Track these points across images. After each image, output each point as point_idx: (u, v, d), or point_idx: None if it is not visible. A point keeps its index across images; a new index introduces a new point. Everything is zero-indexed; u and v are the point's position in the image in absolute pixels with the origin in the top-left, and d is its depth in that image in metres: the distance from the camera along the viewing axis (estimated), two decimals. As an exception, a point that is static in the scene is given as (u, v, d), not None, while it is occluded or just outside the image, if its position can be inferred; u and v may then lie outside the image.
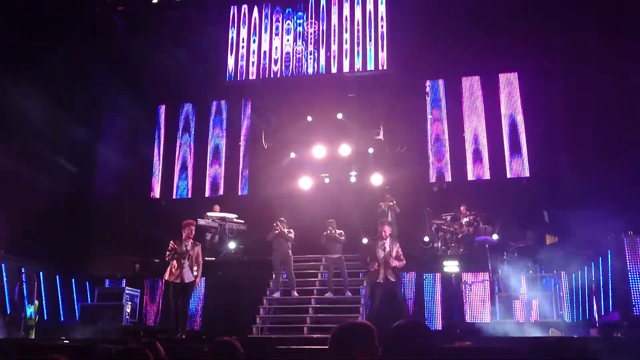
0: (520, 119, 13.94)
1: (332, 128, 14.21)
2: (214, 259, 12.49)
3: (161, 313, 11.84)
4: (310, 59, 14.36)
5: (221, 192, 15.26)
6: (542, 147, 13.27)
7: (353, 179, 14.19)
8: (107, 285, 12.21)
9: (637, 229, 8.24)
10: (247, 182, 15.24)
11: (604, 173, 10.55)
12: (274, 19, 14.85)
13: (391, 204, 12.34)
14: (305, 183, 14.19)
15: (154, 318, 12.00)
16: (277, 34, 14.71)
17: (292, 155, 14.60)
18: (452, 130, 14.42)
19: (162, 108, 16.09)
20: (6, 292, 10.19)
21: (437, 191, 14.15)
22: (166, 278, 9.19)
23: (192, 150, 15.83)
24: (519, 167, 13.76)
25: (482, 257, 10.79)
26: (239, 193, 15.20)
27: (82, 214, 13.32)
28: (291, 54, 14.51)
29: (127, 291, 11.34)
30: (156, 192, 15.65)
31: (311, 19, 14.58)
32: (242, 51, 14.82)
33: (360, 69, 14.11)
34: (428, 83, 14.79)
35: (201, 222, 12.55)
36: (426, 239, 12.84)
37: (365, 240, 11.82)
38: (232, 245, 12.95)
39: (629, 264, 7.97)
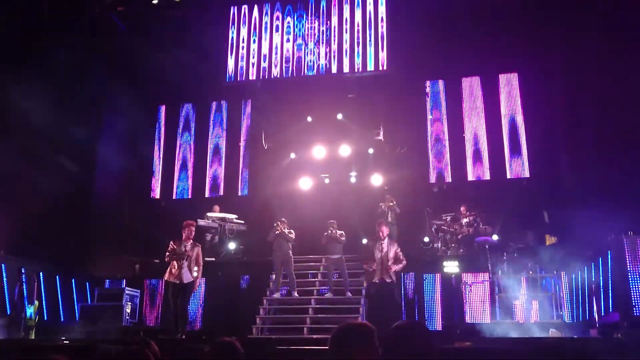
0: (520, 120, 13.95)
1: (332, 128, 14.20)
2: (214, 259, 12.49)
3: (161, 313, 11.85)
4: (310, 59, 14.37)
5: (221, 192, 15.27)
6: (542, 147, 13.26)
7: (353, 180, 14.19)
8: (107, 286, 12.22)
9: (637, 229, 8.23)
10: (247, 182, 15.24)
11: (604, 173, 10.54)
12: (274, 17, 14.87)
13: (391, 204, 12.34)
14: (305, 183, 14.19)
15: (154, 318, 12.00)
16: (277, 31, 14.72)
17: (292, 155, 14.60)
18: (452, 130, 14.42)
19: (162, 108, 16.09)
20: (6, 293, 10.18)
21: (437, 192, 14.15)
22: (166, 278, 9.22)
23: (192, 151, 15.83)
24: (518, 167, 13.76)
25: (482, 258, 10.79)
26: (239, 193, 15.21)
27: (82, 214, 13.31)
28: (291, 54, 14.53)
29: (127, 291, 11.33)
30: (156, 193, 15.65)
31: (311, 17, 14.59)
32: (242, 51, 14.84)
33: (360, 69, 14.13)
34: (428, 83, 14.79)
35: (201, 222, 12.55)
36: (426, 239, 12.83)
37: (365, 241, 11.82)
38: (232, 245, 12.95)
39: (629, 265, 7.96)
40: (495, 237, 11.54)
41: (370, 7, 14.31)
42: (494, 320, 9.94)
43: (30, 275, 10.49)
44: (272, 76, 14.57)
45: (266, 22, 14.90)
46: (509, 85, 14.19)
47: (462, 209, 12.52)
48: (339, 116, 14.21)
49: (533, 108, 13.61)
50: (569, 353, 6.57)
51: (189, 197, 15.48)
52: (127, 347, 3.71)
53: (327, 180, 14.39)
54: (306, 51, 14.49)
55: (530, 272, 10.22)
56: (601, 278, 8.74)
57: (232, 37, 14.97)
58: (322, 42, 14.38)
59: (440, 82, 14.76)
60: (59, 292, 11.59)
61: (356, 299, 10.98)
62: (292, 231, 11.28)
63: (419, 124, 14.53)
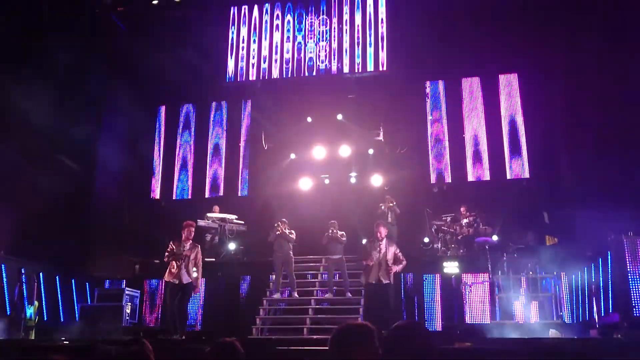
0: (520, 120, 13.94)
1: (332, 129, 14.21)
2: (214, 259, 12.48)
3: (161, 314, 11.83)
4: (310, 58, 14.37)
5: (221, 192, 15.26)
6: (542, 147, 13.26)
7: (353, 180, 14.19)
8: (107, 286, 12.22)
9: (637, 229, 8.24)
10: (247, 182, 15.24)
11: (604, 173, 10.54)
12: (274, 17, 14.87)
13: (391, 204, 12.34)
14: (305, 184, 14.19)
15: (154, 319, 11.99)
16: (277, 30, 14.72)
17: (292, 156, 14.60)
18: (452, 131, 14.42)
19: (162, 109, 16.09)
20: (6, 293, 10.18)
21: (437, 192, 14.15)
22: (165, 278, 9.22)
23: (192, 151, 15.83)
24: (518, 168, 13.76)
25: (482, 258, 10.79)
26: (239, 194, 15.21)
27: (82, 214, 13.31)
28: (291, 54, 14.53)
29: (127, 292, 11.32)
30: (156, 193, 15.65)
31: (311, 15, 14.60)
32: (242, 52, 14.84)
33: (360, 70, 14.14)
34: (428, 84, 14.79)
35: (201, 223, 12.55)
36: (426, 240, 12.84)
37: (364, 241, 11.82)
38: (232, 246, 12.94)
39: (629, 265, 7.96)
40: (495, 238, 11.54)
41: (370, 8, 14.32)
42: (494, 321, 9.94)
43: (30, 276, 10.48)
44: (272, 76, 14.58)
45: (266, 21, 14.90)
46: (509, 86, 14.19)
47: (462, 209, 12.51)
48: (339, 116, 14.22)
49: (533, 108, 13.61)
50: (569, 353, 6.57)
51: (189, 197, 15.48)
52: (127, 348, 3.71)
53: (327, 181, 14.40)
54: (306, 51, 14.50)
55: (530, 273, 10.22)
56: (601, 278, 8.74)
57: (232, 37, 14.99)
58: (322, 43, 14.38)
59: (440, 83, 14.76)
60: (58, 292, 11.59)
61: (356, 300, 10.97)
62: (292, 231, 11.27)
63: (419, 125, 14.53)
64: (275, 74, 14.62)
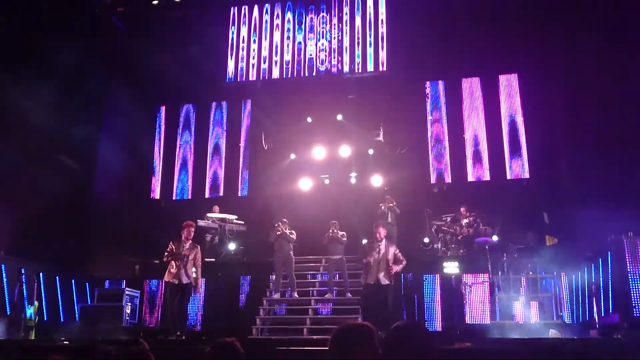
0: (520, 120, 13.94)
1: (332, 129, 14.20)
2: (214, 260, 12.48)
3: (161, 314, 11.83)
4: (310, 60, 14.38)
5: (221, 193, 15.26)
6: (542, 147, 13.26)
7: (353, 180, 14.19)
8: (107, 286, 12.21)
9: (637, 230, 8.23)
10: (247, 183, 15.24)
11: (604, 173, 10.54)
12: (274, 16, 14.87)
13: (391, 205, 12.33)
14: (305, 184, 14.19)
15: (154, 319, 11.99)
16: (277, 29, 14.72)
17: (292, 156, 14.60)
18: (452, 131, 14.42)
19: (163, 109, 16.09)
20: (6, 293, 10.17)
21: (437, 192, 14.15)
22: (165, 278, 9.22)
23: (192, 151, 15.83)
24: (518, 168, 13.76)
25: (482, 259, 10.78)
26: (239, 194, 15.20)
27: (82, 214, 13.31)
28: (291, 54, 14.53)
29: (126, 292, 11.32)
30: (156, 193, 15.65)
31: (310, 13, 14.60)
32: (242, 52, 14.84)
33: (360, 70, 14.13)
34: (428, 84, 14.79)
35: (201, 223, 12.54)
36: (426, 240, 12.84)
37: (364, 241, 11.82)
38: (232, 246, 12.94)
39: (629, 265, 7.96)
40: (495, 238, 11.53)
41: (370, 8, 14.32)
42: (494, 321, 9.94)
43: (30, 276, 10.47)
44: (272, 77, 14.58)
45: (266, 21, 14.90)
46: (509, 86, 14.19)
47: (462, 209, 12.51)
48: (339, 117, 14.22)
49: (533, 108, 13.60)
50: (569, 354, 6.57)
51: (189, 197, 15.48)
52: (126, 348, 3.72)
53: (327, 181, 14.39)
54: (306, 52, 14.50)
55: (530, 273, 10.21)
56: (601, 279, 8.74)
57: (232, 38, 14.98)
58: (322, 41, 14.38)
59: (440, 83, 14.76)
60: (58, 292, 11.58)
61: (356, 300, 10.95)
62: (293, 232, 11.27)
63: (419, 125, 14.53)
64: (275, 74, 14.62)
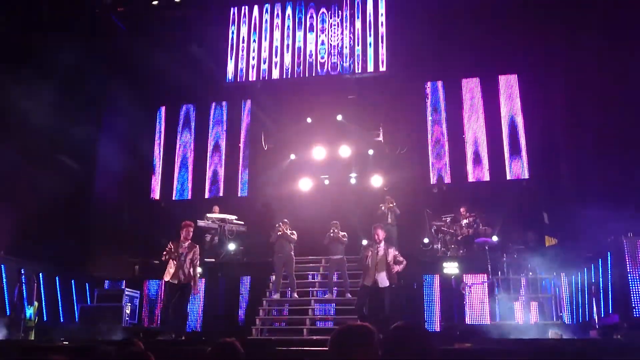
0: (520, 121, 13.94)
1: (332, 129, 14.21)
2: (214, 260, 12.47)
3: (161, 314, 11.82)
4: (310, 60, 14.38)
5: (221, 193, 15.26)
6: (542, 148, 13.26)
7: (353, 181, 14.19)
8: (107, 287, 12.19)
9: (637, 230, 8.23)
10: (247, 183, 15.24)
11: (604, 173, 10.54)
12: (274, 16, 14.87)
13: (391, 205, 12.33)
14: (305, 184, 14.18)
15: (154, 319, 11.98)
16: (277, 29, 14.73)
17: (292, 156, 14.59)
18: (451, 131, 14.42)
19: (163, 109, 16.09)
20: (6, 294, 10.17)
21: (437, 193, 14.15)
22: (164, 278, 9.22)
23: (192, 151, 15.82)
24: (518, 168, 13.76)
25: (481, 259, 10.78)
26: (239, 194, 15.20)
27: (82, 215, 13.31)
28: (291, 55, 14.53)
29: (126, 292, 11.31)
30: (156, 193, 15.65)
31: (310, 9, 14.60)
32: (242, 52, 14.84)
33: (360, 71, 14.13)
34: (428, 84, 14.79)
35: (201, 223, 12.53)
36: (426, 240, 12.83)
37: (364, 242, 11.82)
38: (231, 246, 12.93)
39: (629, 266, 7.97)
40: (495, 238, 11.52)
41: (370, 8, 14.32)
42: (493, 322, 9.94)
43: (30, 276, 10.48)
44: (272, 77, 14.58)
45: (266, 20, 14.90)
46: (509, 87, 14.19)
47: (462, 210, 12.51)
48: (339, 117, 14.22)
49: (532, 108, 13.61)
50: (569, 354, 6.57)
51: (189, 197, 15.48)
52: (126, 348, 3.71)
53: (327, 182, 14.39)
54: (306, 52, 14.50)
55: (530, 273, 10.21)
56: (601, 279, 8.74)
57: (232, 38, 14.98)
58: (322, 42, 14.38)
59: (440, 83, 14.76)
60: (58, 293, 11.58)
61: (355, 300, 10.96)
62: (294, 232, 11.27)
63: (419, 125, 14.53)
64: (275, 74, 14.62)
